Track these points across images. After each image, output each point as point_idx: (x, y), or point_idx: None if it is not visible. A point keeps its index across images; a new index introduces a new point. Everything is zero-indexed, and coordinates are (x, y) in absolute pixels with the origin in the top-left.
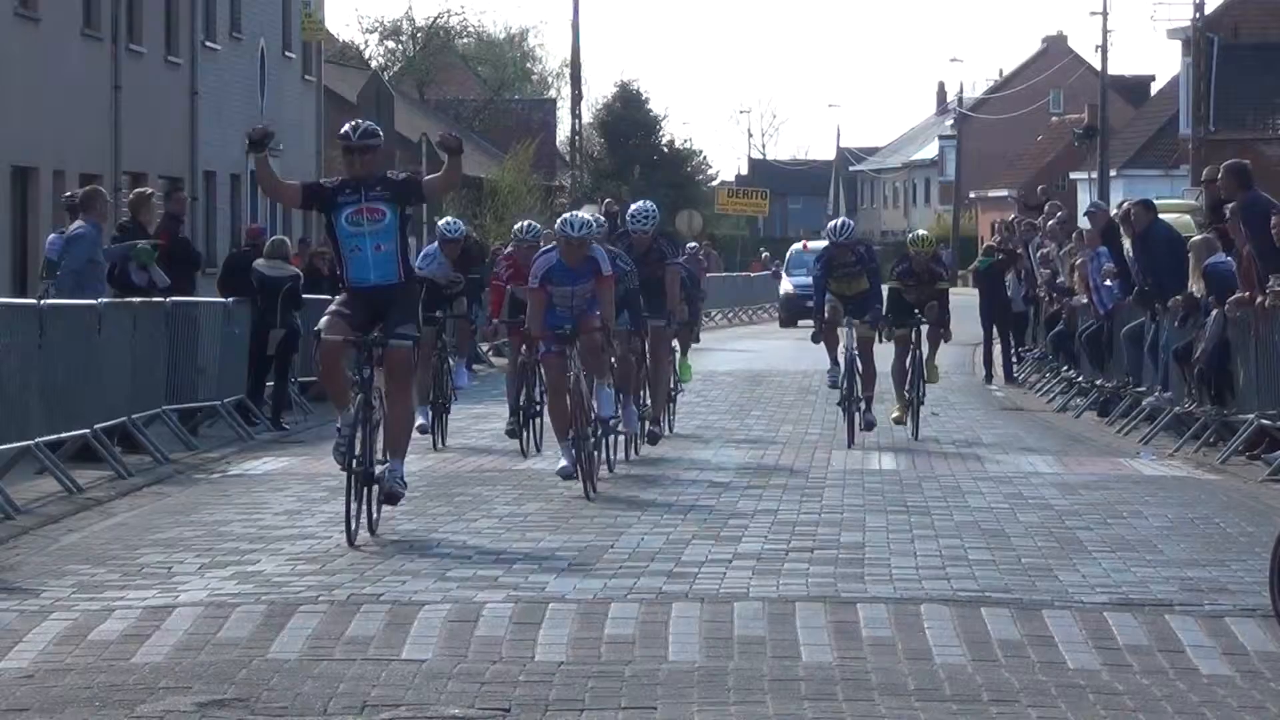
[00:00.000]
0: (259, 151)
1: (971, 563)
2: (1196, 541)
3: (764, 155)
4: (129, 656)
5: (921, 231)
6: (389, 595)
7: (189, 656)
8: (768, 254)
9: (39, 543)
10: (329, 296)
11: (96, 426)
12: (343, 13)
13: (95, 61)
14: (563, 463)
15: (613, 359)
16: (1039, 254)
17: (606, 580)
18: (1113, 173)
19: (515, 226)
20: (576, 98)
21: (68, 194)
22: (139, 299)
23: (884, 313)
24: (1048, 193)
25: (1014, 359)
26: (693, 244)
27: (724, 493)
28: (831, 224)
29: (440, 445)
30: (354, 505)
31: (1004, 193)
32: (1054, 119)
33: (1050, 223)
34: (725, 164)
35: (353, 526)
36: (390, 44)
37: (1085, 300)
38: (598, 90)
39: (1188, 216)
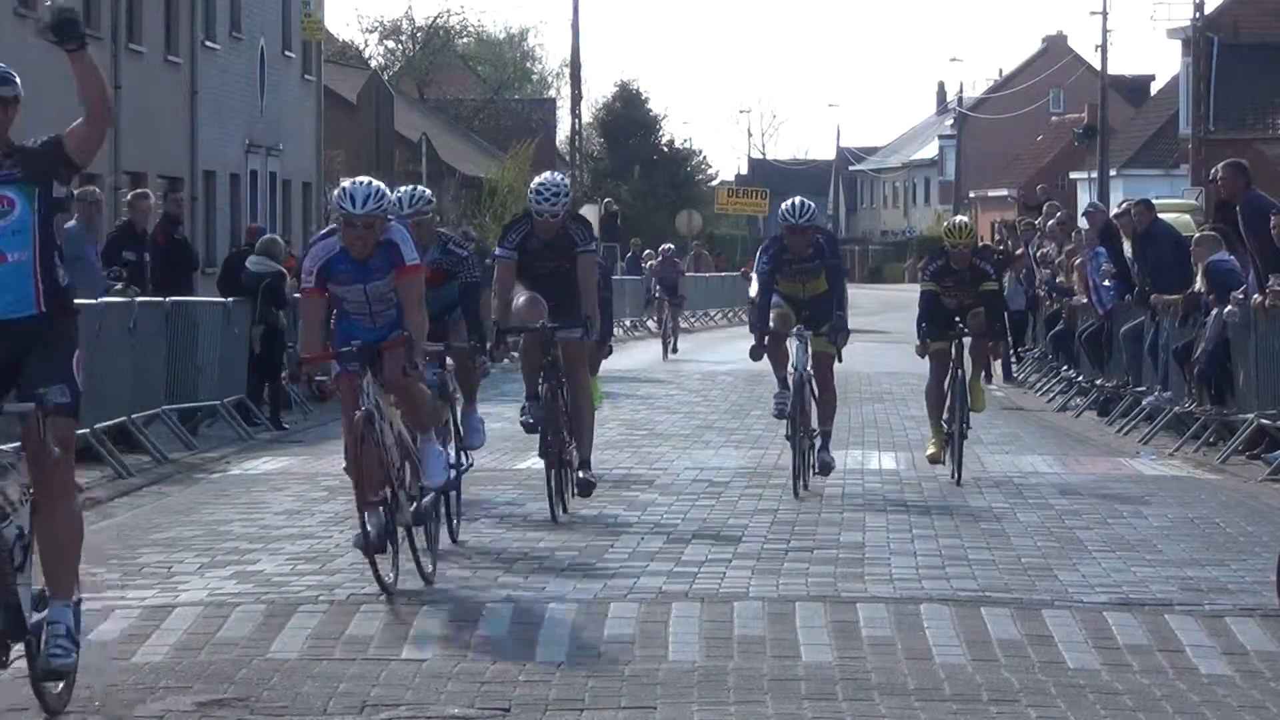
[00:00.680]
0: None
1: (971, 562)
2: (1196, 541)
3: (764, 155)
4: (129, 656)
5: (959, 218)
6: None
7: (189, 656)
8: None
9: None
10: None
11: (96, 426)
12: (342, 12)
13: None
14: (360, 531)
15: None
16: (1039, 254)
17: (606, 580)
18: (1113, 173)
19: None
20: (576, 97)
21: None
22: (139, 299)
23: (848, 325)
24: (1048, 193)
25: (1014, 359)
26: (695, 241)
27: (724, 493)
28: (788, 203)
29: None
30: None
31: (1004, 192)
32: (1054, 119)
33: (1050, 223)
34: (725, 164)
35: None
36: (390, 44)
37: (1085, 300)
38: (597, 90)
39: (1188, 216)
